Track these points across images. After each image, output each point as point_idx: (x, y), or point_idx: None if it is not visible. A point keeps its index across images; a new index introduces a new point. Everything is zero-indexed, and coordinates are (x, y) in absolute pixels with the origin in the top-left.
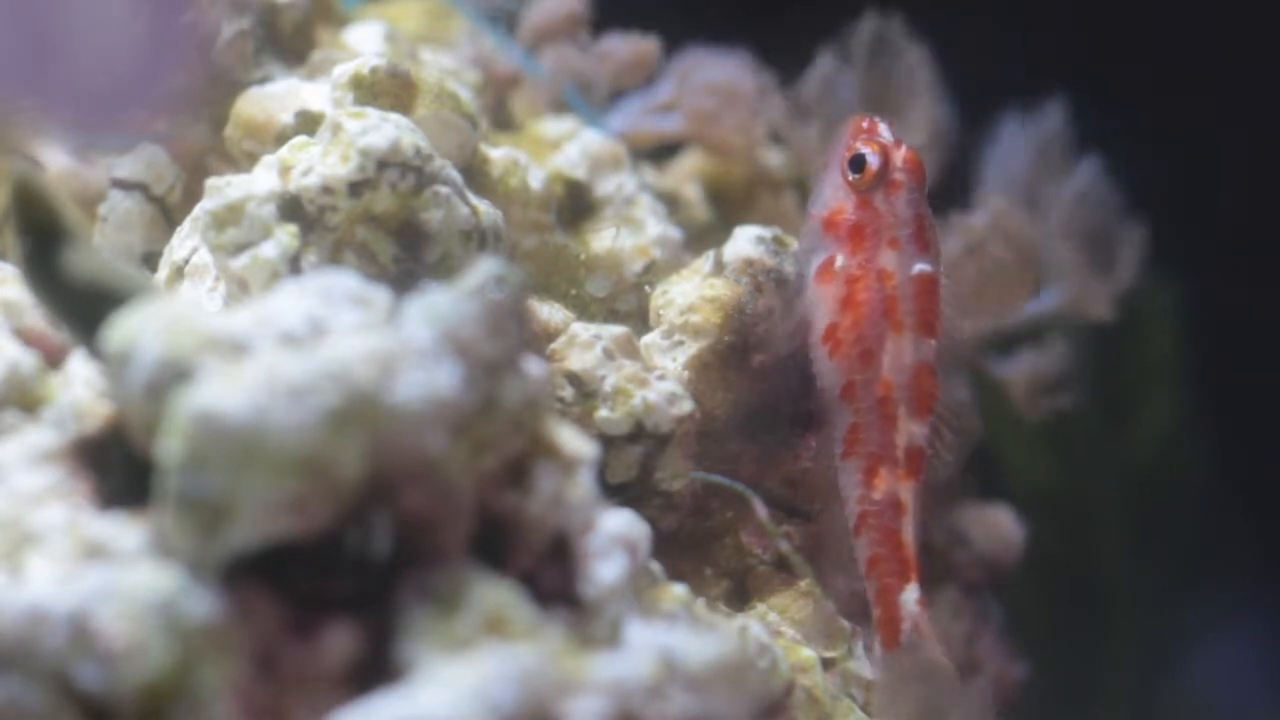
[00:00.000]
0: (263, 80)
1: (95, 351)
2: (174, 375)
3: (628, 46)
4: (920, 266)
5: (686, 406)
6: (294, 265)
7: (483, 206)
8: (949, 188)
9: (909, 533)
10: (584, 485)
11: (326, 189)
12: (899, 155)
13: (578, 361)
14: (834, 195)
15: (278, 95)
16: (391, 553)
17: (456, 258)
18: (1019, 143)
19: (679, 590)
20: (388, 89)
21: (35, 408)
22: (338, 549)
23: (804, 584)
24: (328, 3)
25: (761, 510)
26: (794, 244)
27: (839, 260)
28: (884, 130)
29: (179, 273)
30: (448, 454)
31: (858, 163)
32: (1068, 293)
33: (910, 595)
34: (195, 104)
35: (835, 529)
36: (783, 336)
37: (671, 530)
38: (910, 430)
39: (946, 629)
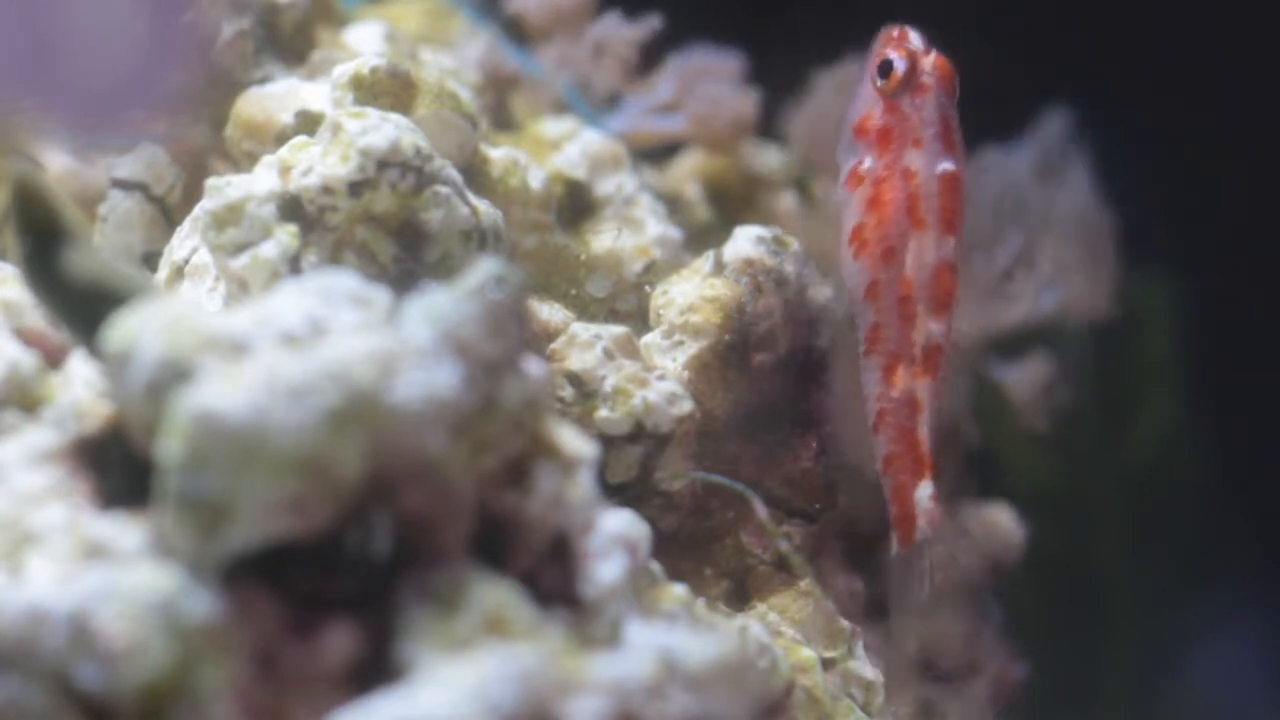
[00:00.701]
0: (263, 80)
1: (95, 351)
2: (174, 375)
3: (624, 37)
4: (945, 165)
5: (686, 406)
6: (294, 265)
7: (483, 206)
8: None
9: (924, 430)
10: (584, 485)
11: (326, 189)
12: (927, 61)
13: (578, 361)
14: (864, 102)
15: (278, 95)
16: (391, 553)
17: (456, 258)
18: (1018, 151)
19: (679, 590)
20: (388, 89)
21: (35, 408)
22: (338, 549)
23: (804, 584)
24: (328, 3)
25: (761, 510)
26: (794, 244)
27: (866, 163)
28: (914, 38)
29: (179, 273)
30: (448, 454)
31: (885, 68)
32: (1067, 292)
33: (924, 492)
34: (195, 104)
35: (856, 431)
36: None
37: (671, 530)
38: (929, 328)
39: (948, 630)
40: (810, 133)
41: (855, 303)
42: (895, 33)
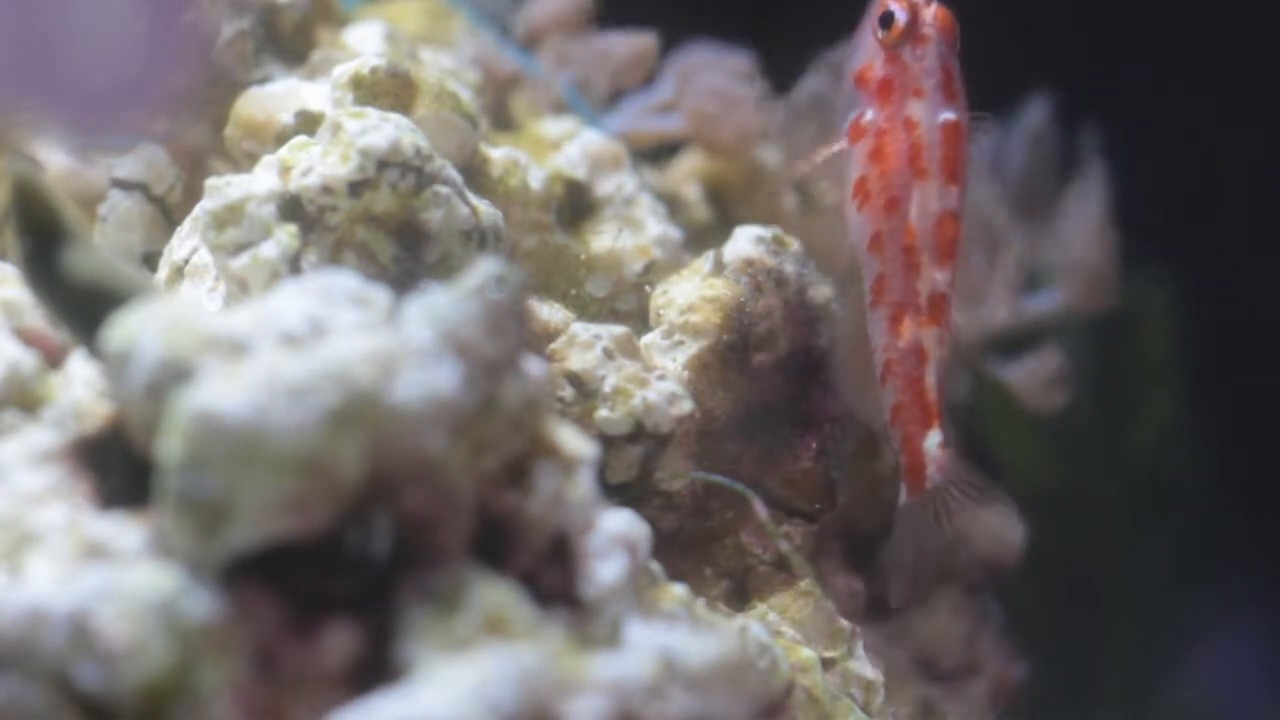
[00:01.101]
0: (263, 80)
1: (95, 351)
2: (174, 375)
3: (627, 44)
4: (946, 115)
5: (686, 406)
6: (294, 265)
7: (483, 206)
8: None
9: (930, 379)
10: (584, 485)
11: (326, 189)
12: (928, 11)
13: (578, 361)
14: (864, 53)
15: (278, 95)
16: (391, 553)
17: (456, 258)
18: (1012, 142)
19: (679, 590)
20: (388, 89)
21: (35, 408)
22: (338, 549)
23: (804, 584)
24: (328, 3)
25: (761, 510)
26: (794, 244)
27: (868, 115)
28: None
29: (179, 273)
30: (448, 454)
31: (886, 19)
32: (1064, 295)
33: (933, 440)
34: (195, 104)
35: (864, 379)
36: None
37: (671, 530)
38: (933, 277)
39: (949, 630)
40: (798, 127)
41: (860, 254)
42: None
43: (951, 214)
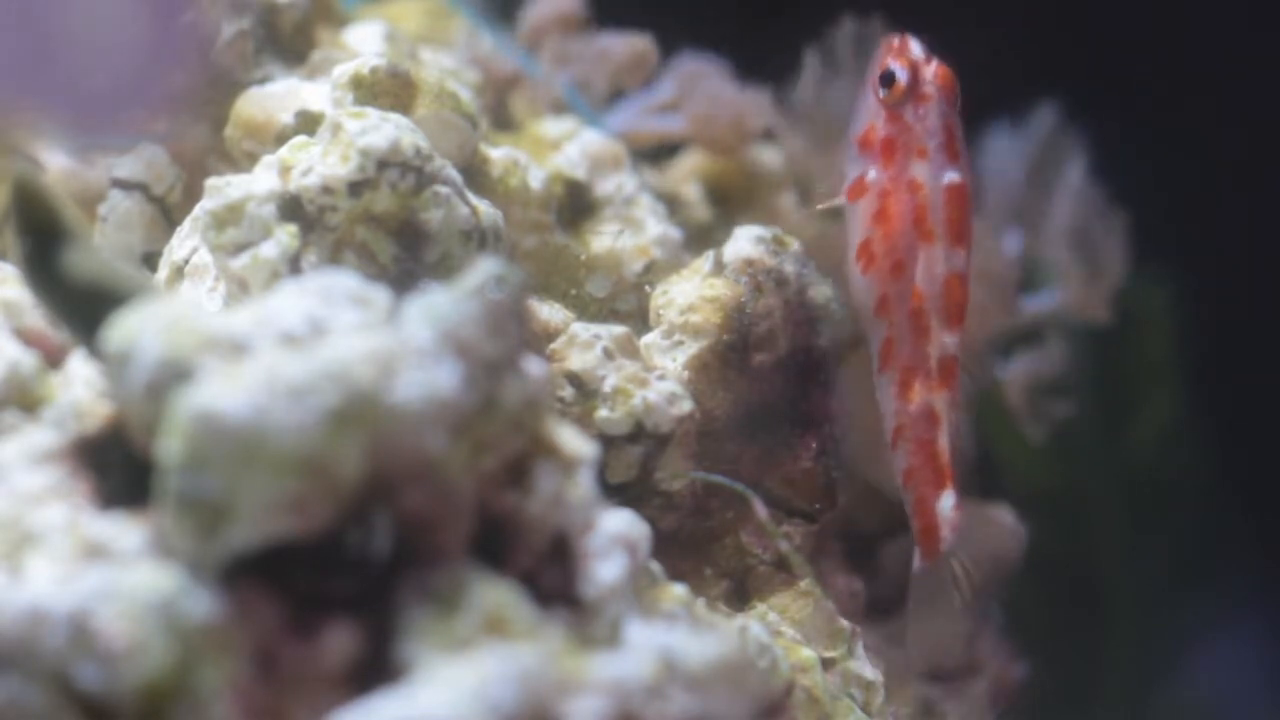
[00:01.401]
0: (263, 80)
1: (95, 351)
2: (174, 375)
3: (625, 45)
4: (950, 176)
5: (686, 406)
6: (294, 265)
7: (483, 206)
8: None
9: (944, 442)
10: (584, 485)
11: (326, 189)
12: (929, 70)
13: (578, 361)
14: (866, 114)
15: (278, 95)
16: (391, 553)
17: (456, 258)
18: (1012, 148)
19: (679, 590)
20: (388, 89)
21: (35, 408)
22: (338, 549)
23: (804, 584)
24: (328, 3)
25: (761, 510)
26: (794, 244)
27: (871, 174)
28: (915, 47)
29: (179, 273)
30: (448, 454)
31: (887, 78)
32: (1064, 295)
33: (946, 503)
34: (195, 104)
35: (872, 444)
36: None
37: (671, 530)
38: (943, 340)
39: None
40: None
41: (865, 318)
42: (896, 42)
43: (959, 276)
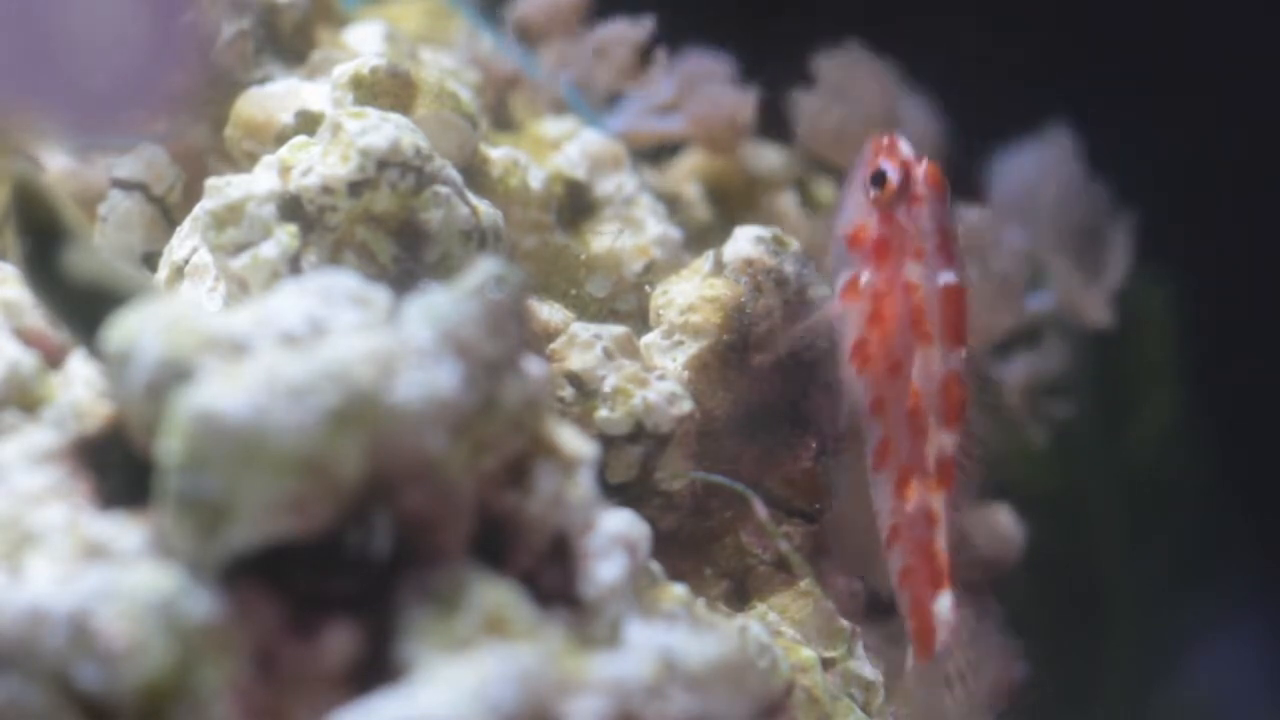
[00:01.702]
0: (263, 80)
1: (95, 351)
2: (174, 375)
3: (625, 45)
4: (946, 278)
5: (686, 406)
6: (294, 265)
7: (483, 206)
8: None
9: (941, 542)
10: (584, 485)
11: (326, 189)
12: (920, 170)
13: (578, 361)
14: (856, 213)
15: (278, 95)
16: (391, 553)
17: (456, 258)
18: (1025, 161)
19: (679, 590)
20: (388, 89)
21: (35, 408)
22: (338, 549)
23: (804, 584)
24: (328, 3)
25: (761, 510)
26: (794, 244)
27: (864, 276)
28: (904, 146)
29: (179, 273)
30: (448, 454)
31: (879, 179)
32: (1064, 298)
33: (944, 603)
34: (195, 104)
35: (859, 536)
36: (787, 341)
37: (671, 530)
38: (941, 441)
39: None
40: (812, 121)
41: (860, 417)
42: (885, 141)
43: (957, 376)
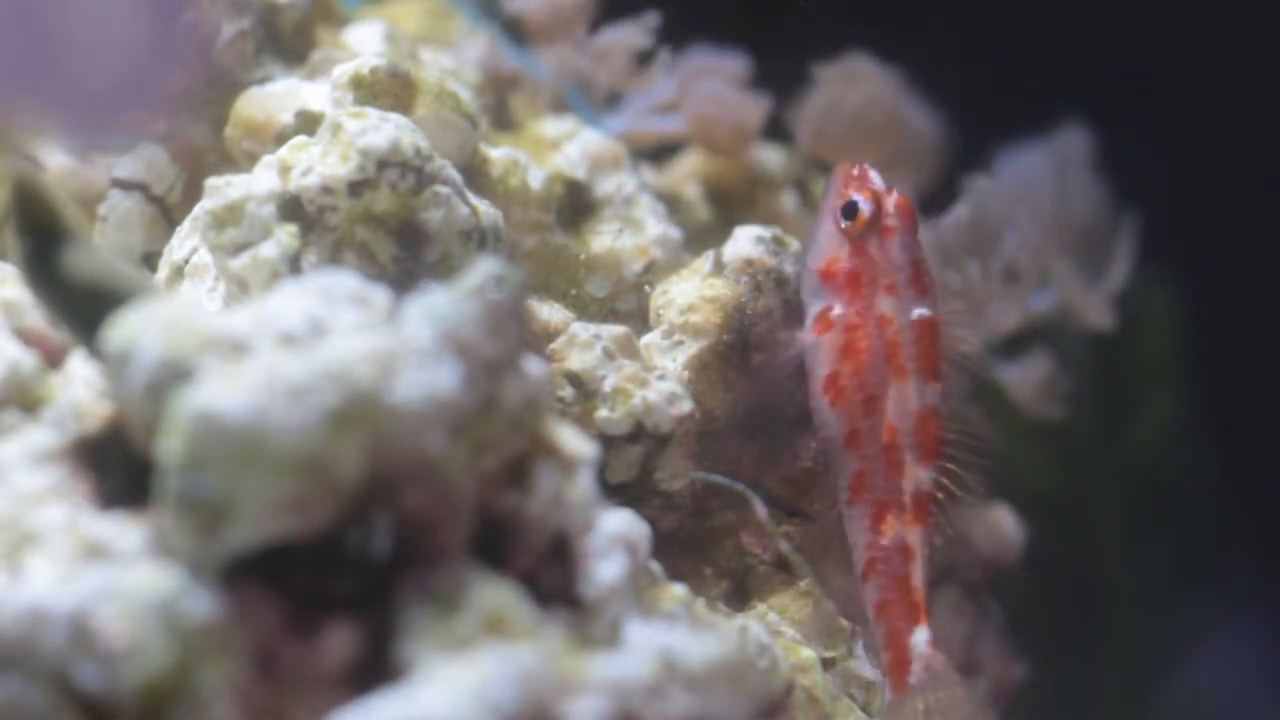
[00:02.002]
0: (263, 80)
1: (95, 351)
2: (174, 375)
3: (626, 45)
4: (919, 311)
5: (686, 406)
6: (294, 265)
7: (483, 206)
8: (945, 198)
9: (918, 576)
10: (584, 485)
11: (326, 189)
12: (890, 201)
13: (578, 361)
14: (828, 244)
15: (278, 95)
16: (391, 553)
17: (456, 258)
18: (1028, 161)
19: (679, 590)
20: (388, 89)
21: (35, 408)
22: (338, 549)
23: (804, 584)
24: (328, 3)
25: (761, 510)
26: (794, 244)
27: (836, 309)
28: (875, 177)
29: (179, 273)
30: (448, 454)
31: (850, 210)
32: (1065, 300)
33: (920, 637)
34: (195, 104)
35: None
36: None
37: (671, 530)
38: (917, 475)
39: (948, 631)
40: (815, 128)
41: (834, 451)
42: (855, 171)
43: (934, 411)
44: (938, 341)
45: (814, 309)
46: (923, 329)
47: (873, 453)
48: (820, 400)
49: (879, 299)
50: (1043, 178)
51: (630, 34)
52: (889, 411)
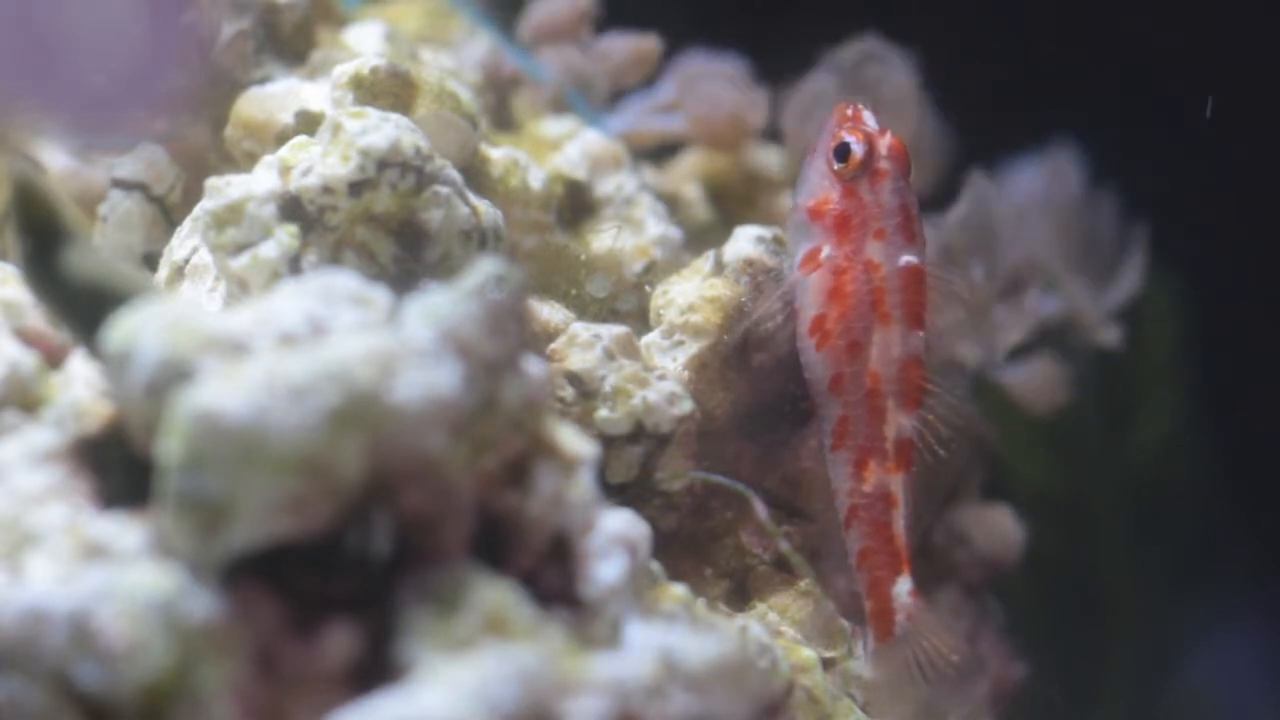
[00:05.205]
0: (263, 80)
1: (95, 351)
2: (174, 375)
3: (628, 45)
4: (907, 258)
5: (686, 406)
6: (294, 265)
7: (483, 206)
8: (943, 199)
9: (899, 525)
10: (584, 485)
11: (327, 189)
12: (884, 143)
13: (578, 361)
14: (819, 184)
15: (278, 95)
16: (391, 553)
17: (456, 258)
18: (1026, 179)
19: (679, 590)
20: (388, 89)
21: (35, 408)
22: (338, 549)
23: (804, 584)
24: (328, 3)
25: (761, 510)
26: None
27: (825, 250)
28: (869, 118)
29: (179, 273)
30: (448, 454)
31: (842, 151)
32: (1071, 313)
33: (903, 587)
34: (195, 104)
35: (827, 522)
36: (776, 329)
37: (671, 530)
38: (899, 422)
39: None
40: (801, 125)
41: (819, 394)
42: (849, 111)
43: (917, 359)
44: (924, 289)
45: (802, 248)
46: (909, 276)
47: (856, 399)
48: (806, 342)
49: (867, 244)
50: (1038, 195)
51: (634, 40)
52: (872, 357)
